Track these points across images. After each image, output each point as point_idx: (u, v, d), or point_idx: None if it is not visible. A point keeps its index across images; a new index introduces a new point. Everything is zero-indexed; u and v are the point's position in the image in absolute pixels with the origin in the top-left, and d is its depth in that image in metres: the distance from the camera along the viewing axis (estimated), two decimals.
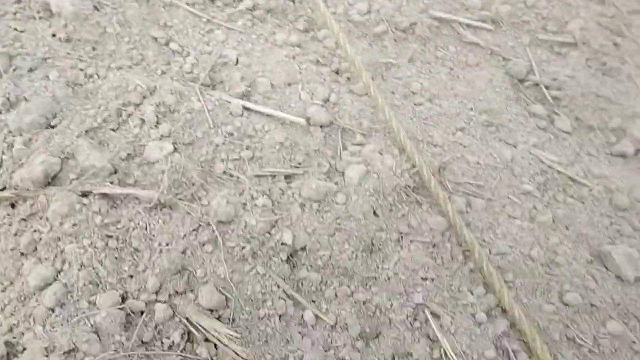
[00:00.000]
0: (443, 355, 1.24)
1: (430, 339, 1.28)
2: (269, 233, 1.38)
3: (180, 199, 1.41)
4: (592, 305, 1.40)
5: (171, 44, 1.79)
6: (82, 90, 1.66)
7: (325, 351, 1.25)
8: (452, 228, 1.45)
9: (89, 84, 1.69)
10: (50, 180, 1.41)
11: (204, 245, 1.34)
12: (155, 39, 1.80)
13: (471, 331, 1.28)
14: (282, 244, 1.36)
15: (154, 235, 1.34)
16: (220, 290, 1.28)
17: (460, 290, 1.35)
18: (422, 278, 1.35)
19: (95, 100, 1.62)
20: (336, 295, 1.32)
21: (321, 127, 1.64)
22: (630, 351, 1.35)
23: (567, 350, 1.32)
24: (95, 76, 1.71)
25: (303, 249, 1.38)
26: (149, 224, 1.36)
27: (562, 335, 1.34)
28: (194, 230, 1.35)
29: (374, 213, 1.45)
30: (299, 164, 1.53)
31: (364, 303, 1.31)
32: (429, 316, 1.30)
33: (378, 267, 1.38)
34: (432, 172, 1.53)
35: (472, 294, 1.34)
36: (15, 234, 1.34)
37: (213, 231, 1.35)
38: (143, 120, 1.56)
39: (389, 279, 1.35)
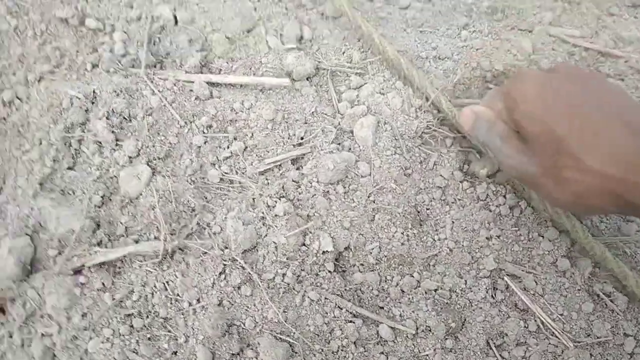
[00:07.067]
0: (540, 325, 1.12)
1: (519, 309, 1.15)
2: (305, 245, 1.17)
3: (188, 237, 1.18)
4: None
5: (87, 22, 1.40)
6: (9, 126, 1.33)
7: None
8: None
9: (13, 115, 1.35)
10: (30, 267, 1.17)
11: (239, 288, 1.13)
12: (65, 20, 1.40)
13: (560, 285, 1.14)
14: (324, 252, 1.16)
15: (178, 295, 1.13)
16: (280, 338, 1.10)
17: (530, 239, 1.19)
18: (486, 238, 1.19)
19: (31, 135, 1.30)
20: (402, 291, 1.15)
21: (308, 78, 1.36)
22: None
23: None
24: (17, 100, 1.37)
25: (347, 248, 1.18)
26: (167, 283, 1.14)
27: None
28: (220, 273, 1.14)
29: (405, 173, 1.25)
30: (301, 138, 1.28)
31: (436, 291, 1.15)
32: (509, 281, 1.15)
33: (435, 240, 1.20)
34: (449, 98, 1.30)
35: (543, 237, 1.19)
36: (23, 345, 1.13)
37: (243, 267, 1.14)
38: (99, 144, 1.26)
39: (451, 250, 1.18)
